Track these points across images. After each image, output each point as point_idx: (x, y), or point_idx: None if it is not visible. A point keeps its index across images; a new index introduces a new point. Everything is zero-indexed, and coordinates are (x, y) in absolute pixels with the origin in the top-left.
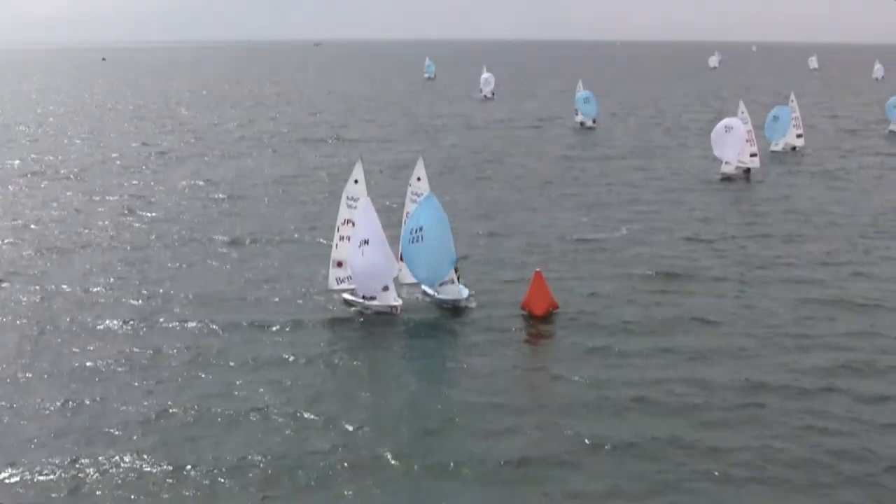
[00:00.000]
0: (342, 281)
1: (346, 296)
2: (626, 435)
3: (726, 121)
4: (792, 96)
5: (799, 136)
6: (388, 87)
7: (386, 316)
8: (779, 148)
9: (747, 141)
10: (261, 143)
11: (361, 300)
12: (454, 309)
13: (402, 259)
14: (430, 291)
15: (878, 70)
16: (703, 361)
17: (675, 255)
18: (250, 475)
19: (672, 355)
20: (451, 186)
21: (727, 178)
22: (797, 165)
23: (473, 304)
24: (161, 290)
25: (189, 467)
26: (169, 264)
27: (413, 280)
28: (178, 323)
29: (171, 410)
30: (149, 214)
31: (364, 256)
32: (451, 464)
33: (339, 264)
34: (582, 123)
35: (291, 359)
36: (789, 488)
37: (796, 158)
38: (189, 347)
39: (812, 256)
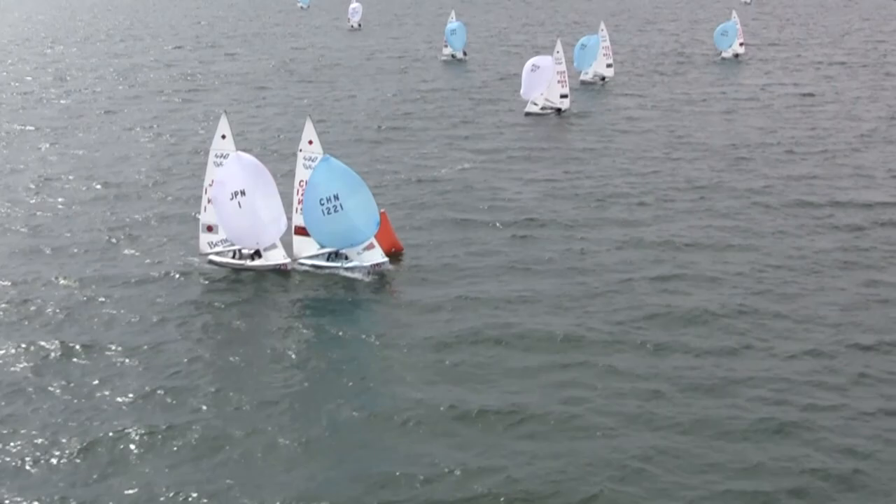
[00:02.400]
0: (215, 245)
1: (217, 258)
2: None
3: (535, 59)
4: (602, 25)
5: (609, 65)
6: (258, 20)
7: (250, 274)
8: (588, 77)
9: (559, 82)
10: (124, 87)
11: (239, 262)
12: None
13: (297, 232)
14: (321, 263)
15: None
16: (532, 309)
17: (512, 195)
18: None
19: (506, 304)
20: (296, 131)
21: (534, 115)
22: (612, 98)
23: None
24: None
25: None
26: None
27: (312, 252)
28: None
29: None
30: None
31: (242, 208)
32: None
33: (210, 228)
34: (453, 56)
35: (160, 325)
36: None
37: (617, 90)
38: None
39: (639, 196)
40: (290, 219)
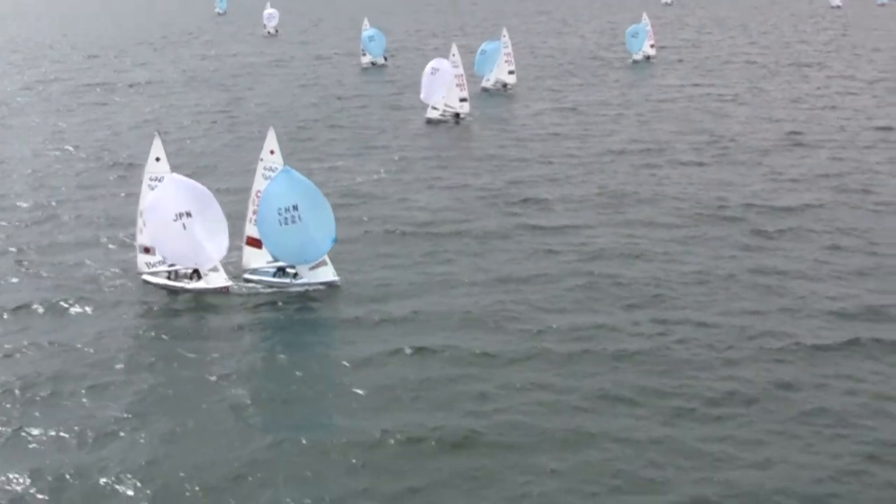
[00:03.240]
0: (153, 265)
1: (153, 279)
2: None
3: (433, 62)
4: (504, 31)
5: (511, 72)
6: (174, 25)
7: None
8: (489, 84)
9: (457, 85)
10: (36, 101)
11: (178, 283)
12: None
13: (249, 243)
14: (268, 279)
15: None
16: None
17: (425, 204)
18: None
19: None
20: (214, 139)
21: (434, 122)
22: (521, 103)
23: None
24: None
25: None
26: None
27: (260, 265)
28: None
29: None
30: None
31: (186, 230)
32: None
33: (147, 250)
34: (373, 63)
35: (102, 350)
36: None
37: (527, 94)
38: None
39: (551, 203)
40: (241, 229)
